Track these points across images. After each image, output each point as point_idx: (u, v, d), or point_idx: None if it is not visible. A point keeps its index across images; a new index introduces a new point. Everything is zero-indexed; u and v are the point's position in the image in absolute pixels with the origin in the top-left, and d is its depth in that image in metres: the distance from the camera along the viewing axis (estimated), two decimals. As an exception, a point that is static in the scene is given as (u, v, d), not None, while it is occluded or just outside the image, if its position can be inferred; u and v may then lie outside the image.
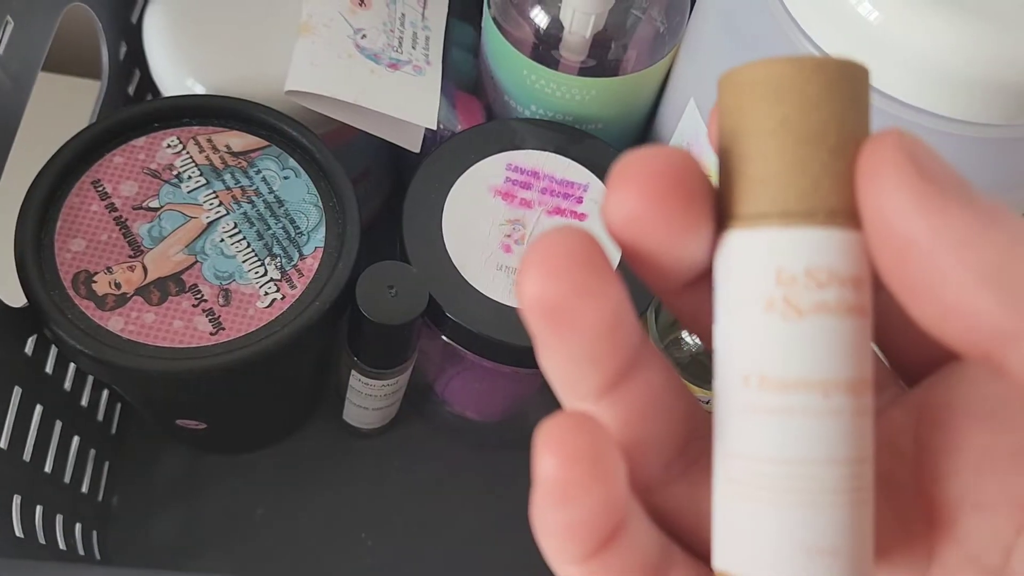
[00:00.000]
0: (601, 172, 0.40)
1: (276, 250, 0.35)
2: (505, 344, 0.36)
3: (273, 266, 0.35)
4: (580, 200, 0.39)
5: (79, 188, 0.35)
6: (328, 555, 0.43)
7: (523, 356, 0.36)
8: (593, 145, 0.41)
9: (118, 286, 0.34)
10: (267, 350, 0.33)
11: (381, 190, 0.49)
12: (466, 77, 0.46)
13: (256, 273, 0.34)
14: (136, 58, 0.43)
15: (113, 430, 0.43)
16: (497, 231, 0.38)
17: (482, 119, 0.44)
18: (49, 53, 0.37)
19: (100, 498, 0.42)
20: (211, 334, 0.33)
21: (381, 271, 0.34)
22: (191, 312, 0.33)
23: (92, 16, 0.39)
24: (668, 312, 0.40)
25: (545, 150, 0.40)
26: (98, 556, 0.40)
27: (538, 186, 0.39)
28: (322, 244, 0.35)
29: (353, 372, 0.38)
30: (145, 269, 0.34)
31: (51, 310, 0.32)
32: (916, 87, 0.32)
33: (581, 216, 0.39)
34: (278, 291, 0.34)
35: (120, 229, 0.35)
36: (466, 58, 0.46)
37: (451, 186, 0.39)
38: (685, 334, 0.39)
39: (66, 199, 0.35)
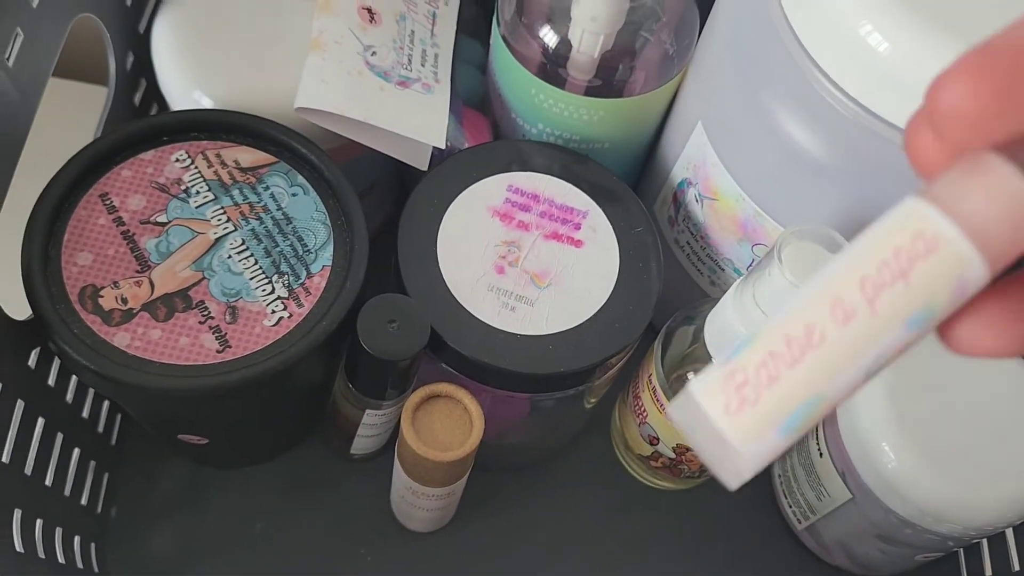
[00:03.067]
0: (603, 199, 0.40)
1: (284, 268, 0.35)
2: (497, 369, 0.36)
3: (280, 284, 0.35)
4: (578, 227, 0.39)
5: (87, 201, 0.35)
6: (327, 571, 0.43)
7: (514, 380, 0.36)
8: (596, 171, 0.41)
9: (124, 301, 0.33)
10: (274, 369, 0.33)
11: (386, 203, 0.49)
12: (473, 94, 0.46)
13: (263, 291, 0.34)
14: (143, 68, 0.43)
15: (113, 441, 0.43)
16: (492, 252, 0.38)
17: (489, 137, 0.44)
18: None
19: (99, 510, 0.42)
20: (217, 352, 0.33)
21: (382, 304, 0.34)
22: (197, 329, 0.33)
23: (100, 26, 0.39)
24: (674, 352, 0.40)
25: (547, 173, 0.40)
26: (96, 569, 0.40)
27: (537, 209, 0.39)
28: (330, 263, 0.35)
29: (350, 404, 0.38)
30: (152, 284, 0.34)
31: (57, 324, 0.32)
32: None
33: (578, 243, 0.39)
34: (285, 309, 0.34)
35: (127, 243, 0.35)
36: (474, 74, 0.46)
37: (449, 204, 0.39)
38: (691, 374, 0.39)
39: (73, 212, 0.35)
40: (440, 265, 0.37)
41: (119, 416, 0.44)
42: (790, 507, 0.45)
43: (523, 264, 0.38)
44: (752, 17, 0.36)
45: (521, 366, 0.36)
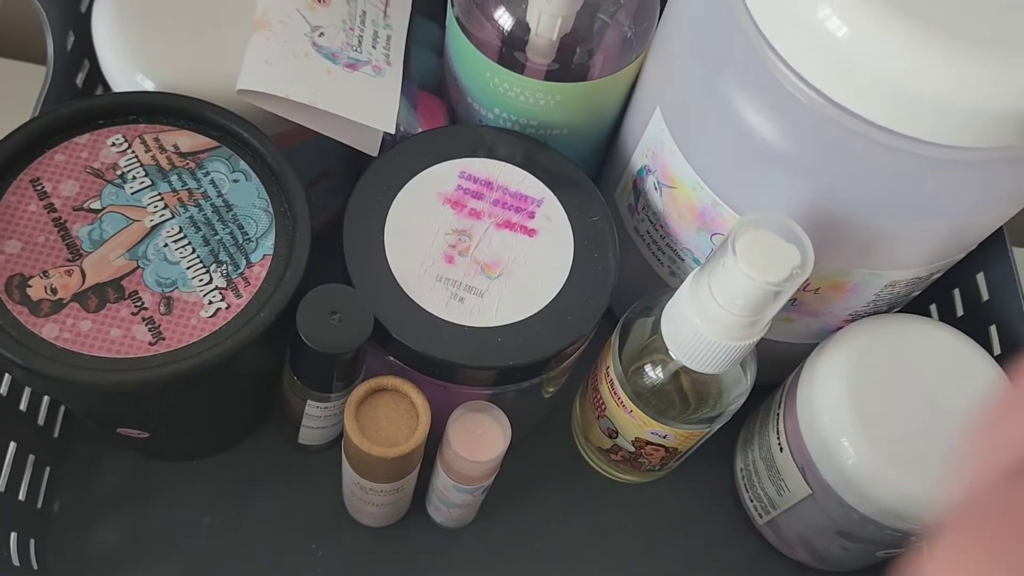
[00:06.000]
0: (559, 187, 0.39)
1: (223, 257, 0.34)
2: (444, 362, 0.35)
3: (219, 274, 0.33)
4: (532, 215, 0.38)
5: (16, 186, 0.34)
6: (277, 566, 0.42)
7: (462, 374, 0.35)
8: (553, 158, 0.39)
9: (54, 291, 0.32)
10: (209, 362, 0.31)
11: (341, 190, 0.47)
12: (430, 77, 0.44)
13: (200, 281, 0.33)
14: (85, 48, 0.41)
15: (56, 434, 0.42)
16: (441, 240, 0.37)
17: (444, 121, 0.43)
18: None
19: (39, 505, 0.40)
20: (150, 344, 0.32)
21: (323, 295, 0.33)
22: (130, 320, 0.32)
23: (35, 5, 0.37)
24: (633, 343, 0.39)
25: (502, 160, 0.39)
26: (35, 566, 0.39)
27: (490, 197, 0.38)
28: (271, 252, 0.34)
29: (296, 396, 0.37)
30: (83, 274, 0.33)
31: (-18, 315, 0.31)
32: (882, 106, 0.31)
33: (531, 232, 0.37)
34: (223, 300, 0.33)
35: (59, 231, 0.33)
36: (430, 57, 0.44)
37: (398, 191, 0.38)
38: (649, 366, 0.38)
39: (2, 198, 0.33)
40: (387, 254, 0.36)
41: (62, 408, 0.42)
42: (751, 501, 0.44)
43: (473, 253, 0.37)
44: (711, 1, 0.35)
45: (469, 359, 0.34)
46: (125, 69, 0.38)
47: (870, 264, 0.36)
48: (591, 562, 0.44)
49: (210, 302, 0.33)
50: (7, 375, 0.37)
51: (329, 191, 0.45)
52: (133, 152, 0.35)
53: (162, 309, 0.32)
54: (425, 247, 0.36)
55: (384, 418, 0.35)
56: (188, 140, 0.36)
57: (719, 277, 0.32)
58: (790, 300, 0.33)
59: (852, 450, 0.37)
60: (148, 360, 0.31)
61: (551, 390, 0.42)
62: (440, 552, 0.43)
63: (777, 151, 0.34)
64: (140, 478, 0.43)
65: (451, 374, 0.35)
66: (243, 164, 0.36)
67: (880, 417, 0.37)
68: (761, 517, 0.44)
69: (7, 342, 0.31)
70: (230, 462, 0.44)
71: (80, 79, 0.42)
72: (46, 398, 0.41)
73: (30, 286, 0.32)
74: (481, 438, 0.36)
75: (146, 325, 0.32)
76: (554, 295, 0.36)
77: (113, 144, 0.35)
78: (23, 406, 0.39)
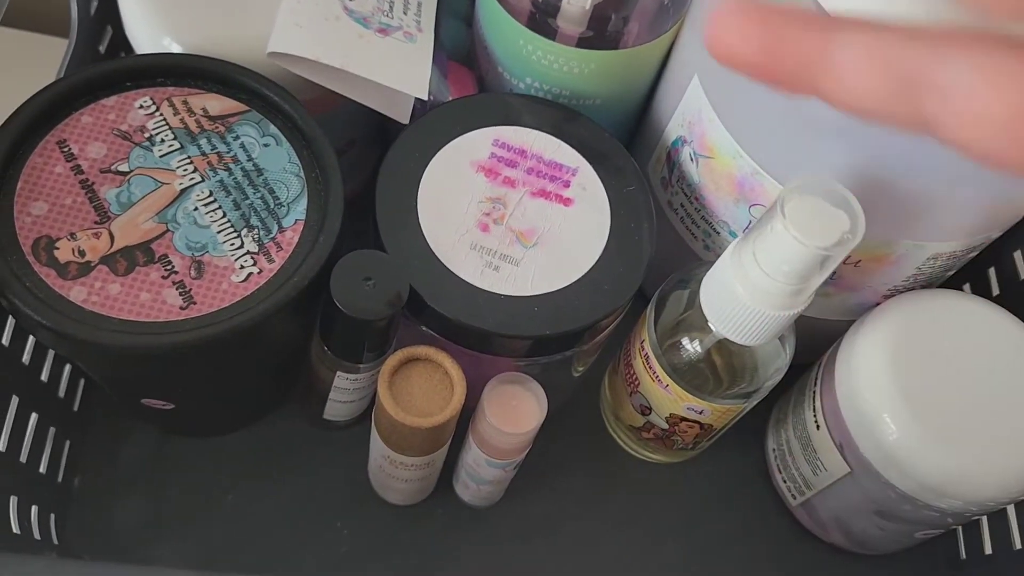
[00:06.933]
0: (593, 156, 0.38)
1: (254, 221, 0.33)
2: (479, 331, 0.34)
3: (250, 238, 0.33)
4: (567, 184, 0.37)
5: (43, 148, 0.33)
6: (302, 544, 0.41)
7: (496, 344, 0.34)
8: (587, 127, 0.39)
9: (82, 254, 0.31)
10: (240, 327, 0.31)
11: (368, 161, 0.47)
12: (458, 47, 0.44)
13: (232, 245, 0.32)
14: (109, 14, 0.40)
15: (76, 407, 0.41)
16: (476, 208, 0.36)
17: (474, 91, 0.42)
18: (13, 7, 0.34)
19: (60, 479, 0.39)
20: (181, 308, 0.31)
21: (357, 261, 0.32)
22: (160, 284, 0.31)
23: (61, -34, 0.36)
24: (667, 317, 0.38)
25: (536, 128, 0.38)
26: (55, 540, 0.38)
27: (524, 165, 0.37)
28: (303, 217, 0.33)
29: (325, 367, 0.36)
30: (112, 237, 0.32)
31: (8, 277, 0.30)
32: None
33: (567, 201, 0.37)
34: (255, 265, 0.32)
35: (86, 193, 0.32)
36: (459, 27, 0.44)
37: (431, 158, 0.37)
38: (685, 340, 0.37)
39: (28, 159, 0.33)
40: (420, 221, 0.35)
41: (82, 380, 0.42)
42: (784, 482, 0.44)
43: (508, 222, 0.36)
44: (754, -38, 0.34)
45: (504, 328, 0.34)
46: (152, 33, 0.37)
47: (913, 235, 0.35)
48: (619, 543, 0.44)
49: (242, 267, 0.32)
50: (28, 343, 0.36)
51: (355, 161, 0.45)
52: (161, 115, 0.34)
53: (193, 273, 0.32)
54: (459, 215, 0.35)
55: (418, 388, 0.34)
56: (217, 103, 0.35)
57: (765, 243, 0.32)
58: (830, 274, 0.32)
59: (894, 425, 0.36)
60: (179, 324, 0.31)
61: (581, 368, 0.41)
62: (467, 531, 0.43)
63: (822, 117, 0.33)
64: (162, 454, 0.42)
65: (485, 343, 0.34)
66: (273, 128, 0.35)
67: (922, 392, 0.36)
68: (795, 498, 0.43)
69: (34, 304, 0.30)
70: (253, 439, 0.43)
71: (103, 47, 0.41)
72: (66, 371, 0.40)
73: (57, 248, 0.31)
74: (517, 409, 0.35)
75: (176, 289, 0.31)
76: (591, 265, 0.35)
77: (141, 106, 0.34)
78: (44, 376, 0.38)
